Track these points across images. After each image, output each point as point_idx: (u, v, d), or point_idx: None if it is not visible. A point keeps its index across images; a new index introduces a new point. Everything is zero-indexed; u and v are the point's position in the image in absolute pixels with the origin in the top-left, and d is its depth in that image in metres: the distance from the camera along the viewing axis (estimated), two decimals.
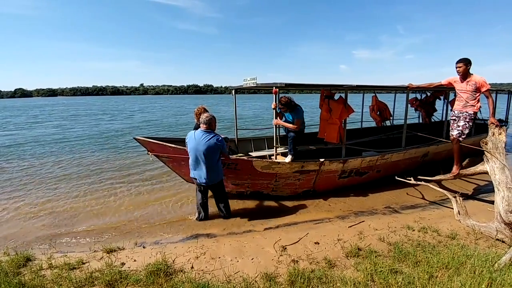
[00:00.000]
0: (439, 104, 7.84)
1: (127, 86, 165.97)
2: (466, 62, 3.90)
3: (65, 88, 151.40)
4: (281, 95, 4.72)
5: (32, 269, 2.55)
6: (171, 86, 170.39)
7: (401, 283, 2.15)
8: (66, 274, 2.43)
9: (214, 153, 3.38)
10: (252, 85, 4.46)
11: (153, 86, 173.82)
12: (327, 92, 4.87)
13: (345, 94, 4.52)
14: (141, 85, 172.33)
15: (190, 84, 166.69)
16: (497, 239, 3.00)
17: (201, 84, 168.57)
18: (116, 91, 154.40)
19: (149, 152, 3.99)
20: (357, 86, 4.57)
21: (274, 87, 3.99)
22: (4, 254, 2.94)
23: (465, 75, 3.95)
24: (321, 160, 4.23)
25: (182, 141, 4.11)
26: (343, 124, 4.53)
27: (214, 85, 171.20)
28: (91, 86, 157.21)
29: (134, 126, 16.23)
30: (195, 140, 3.35)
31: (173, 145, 3.86)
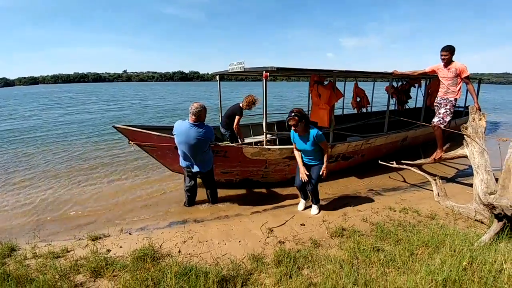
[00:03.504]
0: (413, 92, 8.19)
1: (109, 73, 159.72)
2: (451, 50, 3.99)
3: (46, 76, 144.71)
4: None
5: (17, 259, 2.48)
6: (155, 72, 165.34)
7: (383, 260, 2.25)
8: (50, 262, 2.38)
9: (204, 145, 3.30)
10: (239, 70, 4.34)
11: (137, 72, 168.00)
12: (316, 77, 4.87)
13: (334, 80, 4.52)
14: (124, 71, 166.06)
15: (176, 70, 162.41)
16: (475, 220, 3.13)
17: (187, 71, 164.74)
18: (98, 78, 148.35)
19: (130, 142, 3.65)
20: (346, 71, 4.61)
21: (264, 71, 3.85)
22: None
23: (448, 63, 4.04)
24: None
25: (166, 129, 3.98)
26: (333, 109, 4.55)
27: (201, 72, 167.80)
28: (72, 73, 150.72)
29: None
30: (184, 134, 3.21)
31: (157, 133, 3.64)
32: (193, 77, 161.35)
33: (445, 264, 2.05)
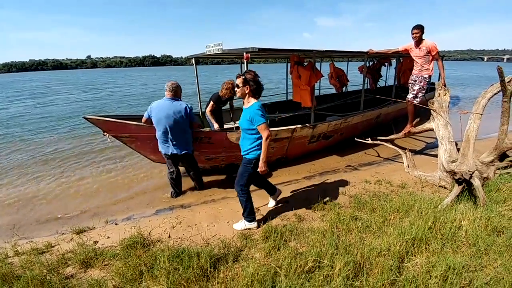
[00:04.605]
0: (382, 71, 8.60)
1: (71, 59, 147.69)
2: (422, 28, 4.19)
3: None
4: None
5: None
6: (124, 57, 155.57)
7: (361, 227, 2.47)
8: (35, 258, 2.33)
9: (184, 122, 3.27)
10: (218, 52, 4.20)
11: (102, 58, 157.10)
12: (296, 58, 4.89)
13: (313, 60, 4.57)
14: (88, 57, 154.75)
15: (146, 55, 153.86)
16: (440, 186, 3.48)
17: (158, 55, 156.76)
18: (59, 65, 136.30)
19: (105, 133, 3.41)
20: (326, 51, 4.69)
21: (245, 53, 3.69)
22: None
23: (419, 41, 4.25)
24: (293, 126, 4.29)
25: (140, 118, 3.85)
26: (313, 89, 4.63)
27: (174, 56, 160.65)
28: (27, 60, 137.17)
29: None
30: (163, 109, 3.17)
31: (134, 123, 3.44)
32: (166, 61, 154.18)
33: (413, 226, 2.31)
